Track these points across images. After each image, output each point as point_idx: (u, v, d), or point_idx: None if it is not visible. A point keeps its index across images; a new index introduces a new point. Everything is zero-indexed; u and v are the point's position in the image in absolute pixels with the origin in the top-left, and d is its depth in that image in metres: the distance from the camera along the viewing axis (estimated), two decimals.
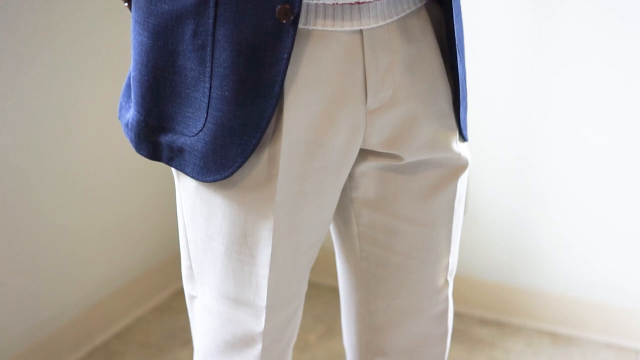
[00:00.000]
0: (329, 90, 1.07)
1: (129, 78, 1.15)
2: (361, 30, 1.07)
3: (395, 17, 1.09)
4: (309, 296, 1.30)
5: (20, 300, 2.07)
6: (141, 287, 2.44)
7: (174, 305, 2.47)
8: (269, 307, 1.16)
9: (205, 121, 1.06)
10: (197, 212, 1.14)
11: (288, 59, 1.01)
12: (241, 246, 1.13)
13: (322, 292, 2.49)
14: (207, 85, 1.04)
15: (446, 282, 1.26)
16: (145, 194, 2.42)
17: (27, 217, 2.05)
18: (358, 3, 1.06)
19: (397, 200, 1.18)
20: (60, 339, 2.17)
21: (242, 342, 1.19)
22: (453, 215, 1.23)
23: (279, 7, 0.99)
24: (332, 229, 1.28)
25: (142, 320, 2.41)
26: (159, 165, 2.34)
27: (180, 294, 2.48)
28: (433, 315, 1.26)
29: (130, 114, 1.13)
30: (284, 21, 0.99)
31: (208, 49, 1.03)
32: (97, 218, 2.26)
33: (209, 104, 1.05)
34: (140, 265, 2.44)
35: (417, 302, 1.25)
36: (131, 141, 1.13)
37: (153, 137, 1.11)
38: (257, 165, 1.08)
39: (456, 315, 2.34)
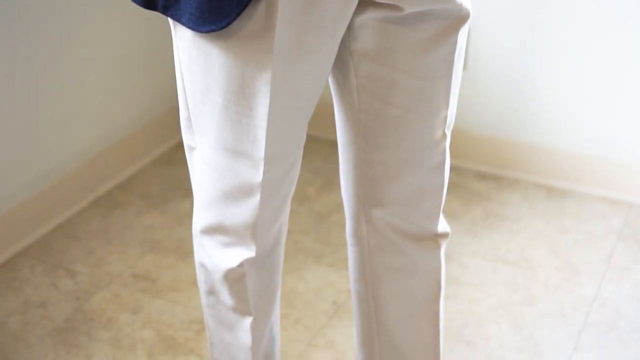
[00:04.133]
0: None
1: None
2: None
3: None
4: (307, 150, 1.30)
5: (23, 150, 2.09)
6: (141, 139, 2.45)
7: (174, 157, 2.49)
8: (267, 159, 1.17)
9: None
10: (194, 63, 1.13)
11: None
12: (239, 98, 1.13)
13: (320, 146, 2.51)
14: None
15: (444, 134, 1.26)
16: (144, 44, 2.39)
17: (27, 70, 2.04)
18: None
19: (396, 52, 1.17)
20: (62, 189, 2.21)
21: (241, 192, 1.21)
22: (452, 68, 1.22)
23: None
24: (330, 82, 1.28)
25: (143, 172, 2.43)
26: (156, 16, 2.31)
27: (180, 146, 2.50)
28: (430, 167, 1.28)
29: None
30: None
31: None
32: (96, 70, 2.25)
33: None
34: (140, 117, 2.44)
35: (414, 154, 1.26)
36: None
37: None
38: (255, 16, 1.06)
39: (453, 168, 2.37)
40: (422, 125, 1.23)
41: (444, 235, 1.35)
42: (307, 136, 1.26)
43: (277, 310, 1.44)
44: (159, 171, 2.44)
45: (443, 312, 1.44)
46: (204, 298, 1.38)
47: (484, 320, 1.88)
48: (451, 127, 1.27)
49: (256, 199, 1.21)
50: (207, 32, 1.07)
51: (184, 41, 1.13)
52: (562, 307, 1.92)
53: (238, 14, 1.04)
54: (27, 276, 2.01)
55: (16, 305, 1.93)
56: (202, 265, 1.34)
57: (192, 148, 1.25)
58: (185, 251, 2.10)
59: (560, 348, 1.81)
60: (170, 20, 1.14)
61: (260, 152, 1.16)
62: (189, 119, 1.21)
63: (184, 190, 2.33)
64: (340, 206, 2.26)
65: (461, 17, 1.18)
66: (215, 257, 1.29)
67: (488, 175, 2.41)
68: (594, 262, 2.06)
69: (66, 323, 1.87)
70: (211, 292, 1.35)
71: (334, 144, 2.24)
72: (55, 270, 2.04)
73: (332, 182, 2.37)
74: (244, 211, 1.22)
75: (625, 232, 2.17)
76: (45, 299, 1.94)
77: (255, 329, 1.36)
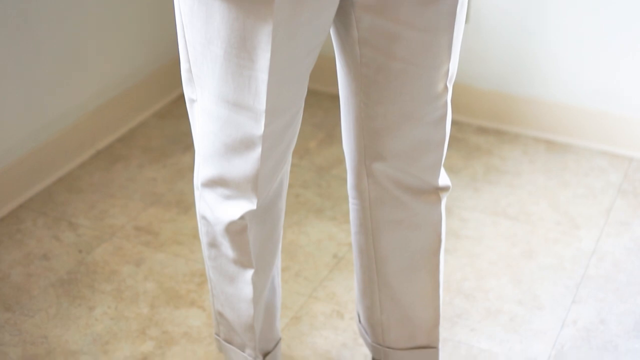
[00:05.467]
0: None
1: None
2: None
3: None
4: (308, 104, 1.30)
5: (23, 104, 2.09)
6: (142, 92, 2.45)
7: (175, 110, 2.49)
8: (268, 111, 1.17)
9: None
10: (195, 15, 1.13)
11: None
12: (240, 50, 1.12)
13: (321, 100, 2.51)
14: None
15: (445, 88, 1.26)
16: None
17: (27, 23, 2.03)
18: None
19: (398, 5, 1.17)
20: (63, 142, 2.21)
21: (242, 145, 1.21)
22: (455, 21, 1.21)
23: None
24: (332, 35, 1.28)
25: (144, 125, 2.43)
26: None
27: (181, 99, 2.50)
28: (431, 121, 1.28)
29: None
30: None
31: None
32: (97, 22, 2.24)
33: None
34: (141, 70, 2.44)
35: (416, 108, 1.26)
36: None
37: None
38: None
39: (454, 123, 2.37)
40: (423, 78, 1.23)
41: (445, 188, 1.36)
42: (308, 90, 1.26)
43: (278, 263, 1.45)
44: (160, 124, 2.44)
45: (443, 265, 1.46)
46: (205, 250, 1.39)
47: (483, 274, 1.90)
48: (453, 81, 1.27)
49: (257, 151, 1.21)
50: None
51: None
52: (561, 261, 1.94)
53: None
54: (29, 229, 2.03)
55: (19, 257, 1.94)
56: (204, 218, 1.34)
57: (193, 101, 1.25)
58: (186, 204, 2.11)
59: (558, 301, 1.82)
60: None
61: (262, 104, 1.16)
62: (189, 71, 1.21)
63: (185, 143, 2.33)
64: (341, 160, 2.26)
65: None
66: (217, 209, 1.30)
67: (489, 130, 2.41)
68: (594, 216, 2.07)
69: (69, 275, 1.89)
70: (213, 244, 1.36)
71: (334, 97, 2.25)
72: (58, 223, 2.05)
73: (332, 136, 2.37)
74: (245, 164, 1.23)
75: (625, 187, 2.18)
76: (48, 251, 1.96)
77: (256, 281, 1.37)
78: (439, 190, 1.35)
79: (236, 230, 1.30)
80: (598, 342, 1.72)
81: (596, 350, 1.70)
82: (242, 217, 1.28)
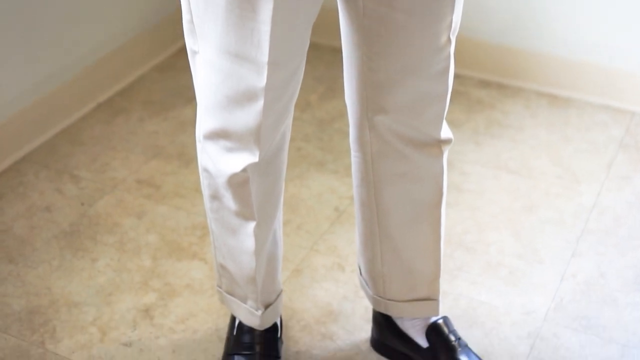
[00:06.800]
0: None
1: None
2: None
3: None
4: (309, 57, 1.29)
5: (24, 56, 2.08)
6: (143, 45, 2.43)
7: (176, 63, 2.48)
8: (271, 63, 1.17)
9: None
10: None
11: None
12: (242, 1, 1.12)
13: (323, 53, 2.49)
14: None
15: (449, 40, 1.25)
16: None
17: None
18: None
19: None
20: (63, 95, 2.20)
21: (244, 97, 1.21)
22: None
23: None
24: None
25: (144, 78, 2.42)
26: None
27: (182, 52, 2.48)
28: (434, 73, 1.27)
29: None
30: None
31: None
32: None
33: None
34: (141, 22, 2.42)
35: (418, 60, 1.25)
36: None
37: None
38: None
39: (456, 77, 2.36)
40: (426, 30, 1.22)
41: (447, 141, 1.36)
42: (310, 44, 1.26)
43: (279, 216, 1.46)
44: (160, 77, 2.43)
45: (444, 218, 1.46)
46: (207, 203, 1.40)
47: (484, 227, 1.91)
48: (456, 33, 1.27)
49: (260, 103, 1.21)
50: None
51: None
52: (562, 215, 1.94)
53: None
54: (31, 181, 2.03)
55: (22, 209, 1.95)
56: (206, 170, 1.35)
57: (194, 52, 1.24)
58: (188, 158, 2.11)
59: (558, 254, 1.83)
60: None
61: (264, 56, 1.16)
62: (191, 21, 1.21)
63: (187, 96, 2.33)
64: (342, 113, 2.26)
65: None
66: (219, 162, 1.30)
67: (491, 84, 2.40)
68: (595, 170, 2.07)
69: (71, 227, 1.90)
70: (215, 196, 1.36)
71: (336, 51, 2.23)
72: (60, 175, 2.05)
73: (334, 89, 2.37)
74: (248, 116, 1.23)
75: (627, 141, 2.17)
76: (51, 204, 1.96)
77: (258, 234, 1.38)
78: (441, 143, 1.35)
79: (238, 183, 1.31)
80: (597, 295, 1.74)
81: (595, 304, 1.72)
82: (244, 170, 1.28)
